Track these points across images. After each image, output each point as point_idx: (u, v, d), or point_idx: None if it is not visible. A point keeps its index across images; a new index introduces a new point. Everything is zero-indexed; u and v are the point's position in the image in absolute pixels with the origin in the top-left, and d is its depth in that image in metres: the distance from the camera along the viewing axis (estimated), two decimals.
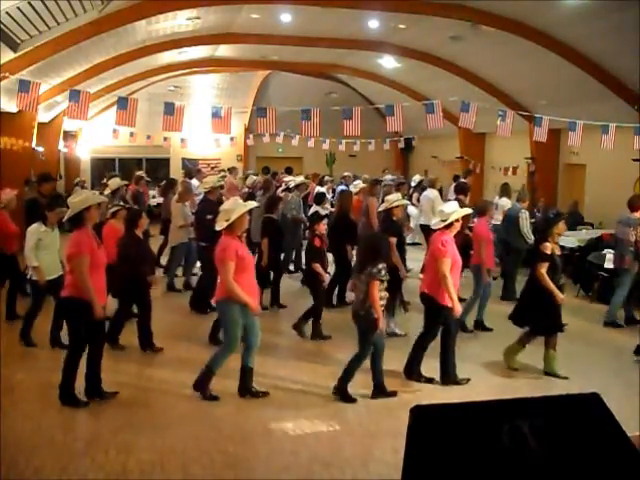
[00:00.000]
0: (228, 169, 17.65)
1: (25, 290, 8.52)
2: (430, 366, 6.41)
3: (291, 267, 11.46)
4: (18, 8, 8.87)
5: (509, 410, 1.75)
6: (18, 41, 10.18)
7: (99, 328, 5.72)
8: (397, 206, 7.91)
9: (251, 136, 19.97)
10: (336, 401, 5.84)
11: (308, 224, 9.53)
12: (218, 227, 5.71)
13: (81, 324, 5.54)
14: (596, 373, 6.60)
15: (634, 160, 11.78)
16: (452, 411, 1.80)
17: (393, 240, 7.48)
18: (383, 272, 5.69)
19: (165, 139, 20.03)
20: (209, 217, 8.03)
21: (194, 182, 12.88)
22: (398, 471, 1.71)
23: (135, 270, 6.99)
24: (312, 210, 10.33)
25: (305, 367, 6.73)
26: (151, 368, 6.63)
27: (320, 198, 10.54)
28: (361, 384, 6.17)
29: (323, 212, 10.15)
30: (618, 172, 12.74)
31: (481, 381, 6.40)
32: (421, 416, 1.73)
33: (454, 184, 15.23)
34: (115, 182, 10.44)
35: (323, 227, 7.88)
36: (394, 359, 6.36)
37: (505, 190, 11.67)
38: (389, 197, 8.26)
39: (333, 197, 13.69)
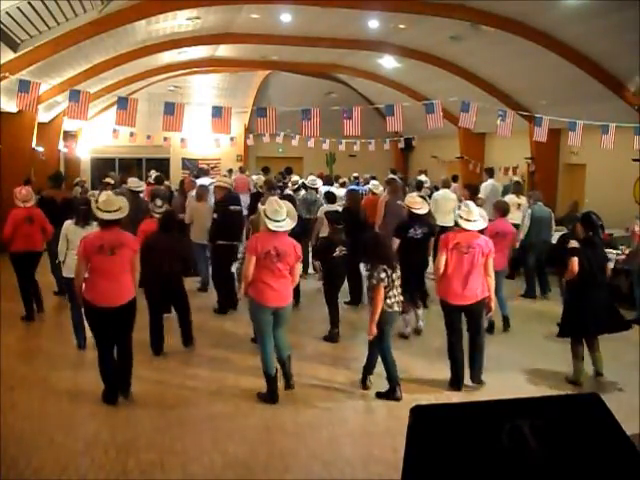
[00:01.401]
0: (239, 168, 17.69)
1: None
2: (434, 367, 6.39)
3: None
4: (18, 8, 8.88)
5: (509, 410, 1.75)
6: (18, 41, 10.19)
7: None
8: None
9: (251, 136, 19.99)
10: (336, 400, 5.84)
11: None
12: (276, 227, 5.63)
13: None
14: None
15: (634, 160, 11.77)
16: (452, 411, 1.80)
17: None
18: (383, 275, 5.67)
19: (165, 139, 20.05)
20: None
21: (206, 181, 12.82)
22: (398, 471, 1.71)
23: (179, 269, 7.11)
24: (328, 209, 10.20)
25: (306, 366, 6.72)
26: (151, 367, 6.62)
27: (333, 197, 10.51)
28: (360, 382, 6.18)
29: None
30: (618, 172, 12.74)
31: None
32: (421, 416, 1.73)
33: (453, 184, 15.27)
34: (134, 182, 10.71)
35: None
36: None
37: (519, 189, 11.73)
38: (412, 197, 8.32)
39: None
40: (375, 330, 5.68)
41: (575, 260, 6.17)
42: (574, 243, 6.30)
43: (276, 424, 5.31)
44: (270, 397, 5.74)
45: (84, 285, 5.53)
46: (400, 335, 7.61)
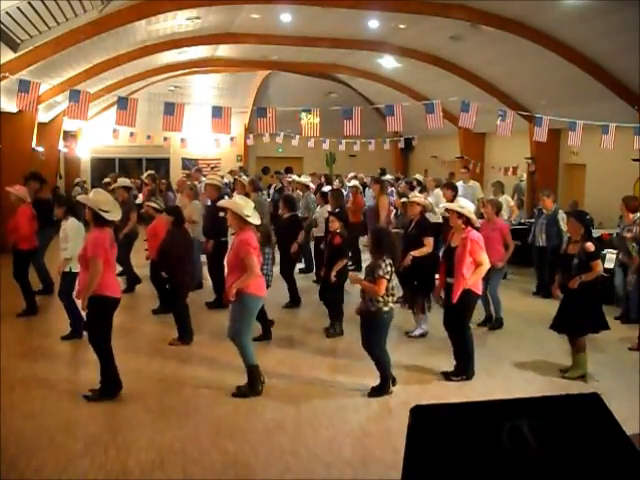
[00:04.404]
0: (239, 168, 17.80)
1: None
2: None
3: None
4: (18, 8, 8.88)
5: (509, 410, 1.75)
6: (18, 41, 10.19)
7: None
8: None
9: (251, 136, 19.98)
10: (336, 400, 5.84)
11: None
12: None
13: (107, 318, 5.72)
14: (596, 373, 6.59)
15: (634, 160, 11.78)
16: (452, 411, 1.80)
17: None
18: (389, 268, 5.64)
19: (165, 139, 20.05)
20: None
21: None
22: (398, 471, 1.71)
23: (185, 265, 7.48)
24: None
25: (306, 364, 6.72)
26: (152, 366, 6.61)
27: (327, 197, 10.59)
28: (360, 382, 6.18)
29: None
30: (618, 172, 12.74)
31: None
32: (421, 416, 1.73)
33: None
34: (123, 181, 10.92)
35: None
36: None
37: (501, 188, 11.81)
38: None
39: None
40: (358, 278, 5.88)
41: (599, 262, 6.34)
42: (592, 247, 6.28)
43: (276, 424, 5.31)
44: (256, 388, 5.81)
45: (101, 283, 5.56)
46: (407, 334, 7.78)
